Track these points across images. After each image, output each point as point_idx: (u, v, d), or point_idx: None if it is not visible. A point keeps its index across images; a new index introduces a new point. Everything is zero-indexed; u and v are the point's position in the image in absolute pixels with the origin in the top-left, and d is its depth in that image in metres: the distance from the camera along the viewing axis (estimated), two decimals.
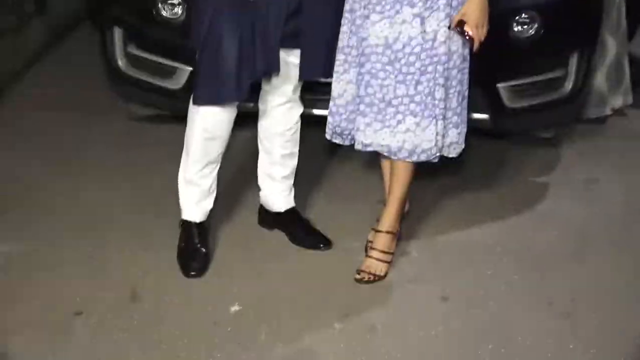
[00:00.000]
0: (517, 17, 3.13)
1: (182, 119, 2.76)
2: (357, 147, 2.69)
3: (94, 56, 3.57)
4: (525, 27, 3.15)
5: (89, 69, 3.98)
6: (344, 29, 2.66)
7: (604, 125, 3.99)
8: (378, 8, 2.53)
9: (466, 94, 2.66)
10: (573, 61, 3.32)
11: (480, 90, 2.88)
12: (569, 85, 3.34)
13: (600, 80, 3.95)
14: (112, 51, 3.37)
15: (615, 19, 3.92)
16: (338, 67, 2.69)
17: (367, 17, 2.56)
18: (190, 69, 3.13)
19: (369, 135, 2.63)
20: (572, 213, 3.24)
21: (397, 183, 2.76)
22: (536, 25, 3.15)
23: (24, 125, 3.80)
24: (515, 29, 3.15)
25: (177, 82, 3.25)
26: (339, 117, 2.71)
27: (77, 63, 4.48)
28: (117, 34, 3.34)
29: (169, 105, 3.48)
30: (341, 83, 2.70)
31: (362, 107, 2.62)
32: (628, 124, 4.07)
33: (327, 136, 2.78)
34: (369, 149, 2.67)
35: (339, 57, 2.68)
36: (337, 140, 2.77)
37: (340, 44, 2.68)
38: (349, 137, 2.72)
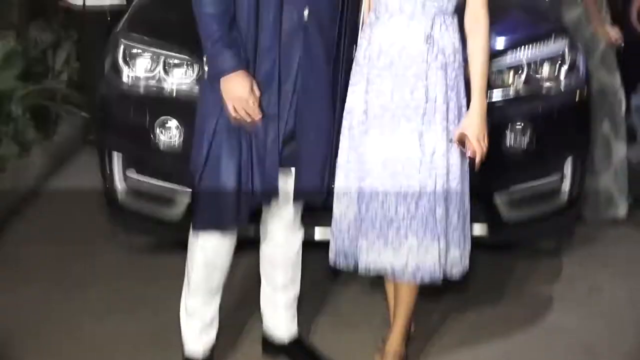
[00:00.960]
0: (508, 127, 3.17)
1: (184, 247, 2.73)
2: (361, 272, 2.65)
3: (95, 182, 3.60)
4: (519, 136, 3.18)
5: (89, 195, 4.00)
6: (343, 145, 2.67)
7: (599, 231, 3.99)
8: (376, 124, 2.56)
9: (468, 212, 2.65)
10: (568, 167, 3.34)
11: (477, 203, 2.84)
12: (565, 192, 3.35)
13: (608, 182, 4.01)
14: (111, 176, 3.36)
15: (620, 123, 4.05)
16: (339, 187, 2.68)
17: (366, 132, 2.57)
18: (190, 192, 3.06)
19: (372, 257, 2.59)
20: (578, 327, 3.18)
21: (401, 305, 2.72)
22: (529, 135, 3.18)
23: (23, 262, 3.76)
24: (508, 138, 3.18)
25: (177, 209, 3.24)
26: (342, 241, 2.69)
27: (78, 189, 4.49)
28: (116, 159, 3.34)
29: (169, 234, 3.48)
30: (342, 204, 2.69)
31: (363, 227, 2.59)
32: (623, 228, 4.07)
33: (331, 262, 2.74)
34: (373, 272, 2.64)
35: (339, 174, 2.68)
36: (342, 264, 2.73)
37: (340, 160, 2.68)
38: (353, 260, 2.68)
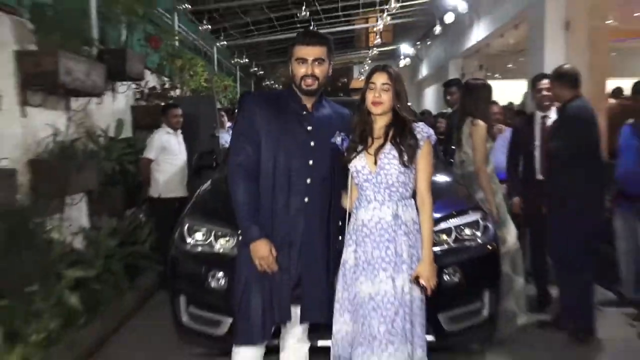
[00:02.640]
0: (445, 270, 3.30)
1: (227, 355, 2.83)
2: None
3: (167, 314, 3.62)
4: (452, 276, 3.34)
5: (164, 320, 3.89)
6: (339, 286, 2.76)
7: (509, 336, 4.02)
8: (363, 273, 2.67)
9: (424, 325, 2.73)
10: (486, 296, 3.47)
11: (428, 320, 2.86)
12: (485, 312, 3.46)
13: (511, 304, 4.08)
14: (178, 310, 3.47)
15: (518, 264, 4.16)
16: (336, 313, 2.74)
17: (357, 279, 2.68)
18: (232, 320, 3.23)
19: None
20: None
21: None
22: (458, 275, 3.35)
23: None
24: (445, 277, 3.30)
25: (222, 329, 3.34)
26: (338, 347, 2.74)
27: (157, 317, 4.52)
28: (182, 299, 3.46)
29: (217, 345, 3.52)
30: (338, 324, 2.75)
31: (356, 341, 2.66)
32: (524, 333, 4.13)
33: None
34: None
35: (336, 305, 2.74)
36: None
37: (336, 296, 2.76)
38: None
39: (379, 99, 2.71)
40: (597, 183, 3.98)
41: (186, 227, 3.55)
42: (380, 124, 2.78)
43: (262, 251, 2.63)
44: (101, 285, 4.35)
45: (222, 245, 3.44)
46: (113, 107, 6.38)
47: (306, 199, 2.70)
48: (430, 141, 2.76)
